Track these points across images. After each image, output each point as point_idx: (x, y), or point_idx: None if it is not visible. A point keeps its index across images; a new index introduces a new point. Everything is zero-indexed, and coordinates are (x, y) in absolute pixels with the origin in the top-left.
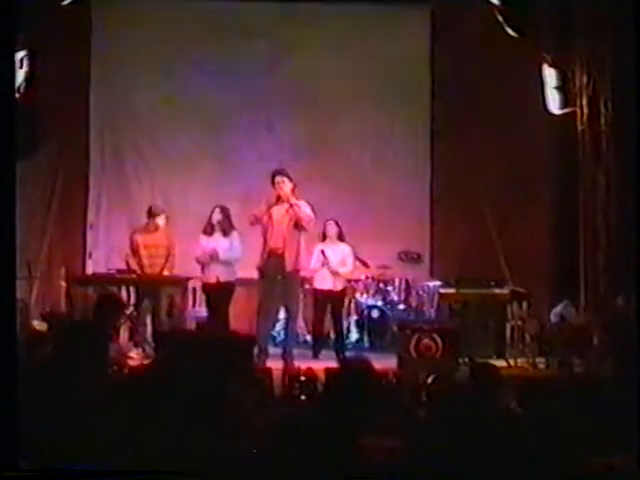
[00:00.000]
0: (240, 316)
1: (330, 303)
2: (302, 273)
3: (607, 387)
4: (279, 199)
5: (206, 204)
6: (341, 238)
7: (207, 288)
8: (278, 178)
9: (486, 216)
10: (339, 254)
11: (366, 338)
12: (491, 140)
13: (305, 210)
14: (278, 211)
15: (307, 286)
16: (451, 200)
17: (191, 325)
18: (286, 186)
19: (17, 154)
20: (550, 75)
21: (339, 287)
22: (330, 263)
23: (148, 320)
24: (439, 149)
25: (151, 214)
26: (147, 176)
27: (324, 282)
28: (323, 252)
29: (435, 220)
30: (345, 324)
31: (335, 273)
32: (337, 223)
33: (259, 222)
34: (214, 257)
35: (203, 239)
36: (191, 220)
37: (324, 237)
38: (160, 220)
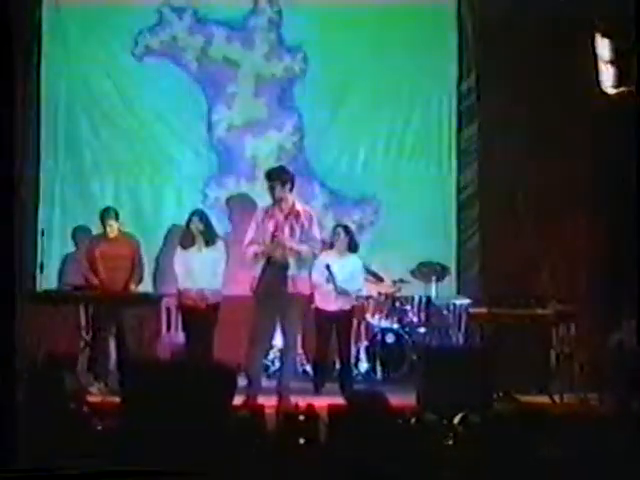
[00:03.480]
0: (226, 342)
1: (335, 326)
2: (307, 290)
3: None
4: (276, 204)
5: (184, 206)
6: (351, 249)
7: (186, 308)
8: (275, 180)
9: (524, 220)
10: (347, 269)
11: (379, 368)
12: (531, 129)
13: (306, 221)
14: (276, 220)
15: (313, 306)
16: (482, 201)
17: (165, 353)
18: (285, 189)
19: None
20: (603, 46)
21: (347, 307)
22: (336, 280)
23: (112, 347)
24: (467, 139)
25: (104, 217)
26: (110, 171)
27: (328, 302)
28: (328, 267)
29: (462, 225)
30: (353, 351)
31: (342, 291)
32: (347, 229)
33: (254, 246)
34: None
35: (181, 251)
36: (165, 225)
37: (331, 246)
38: (118, 224)
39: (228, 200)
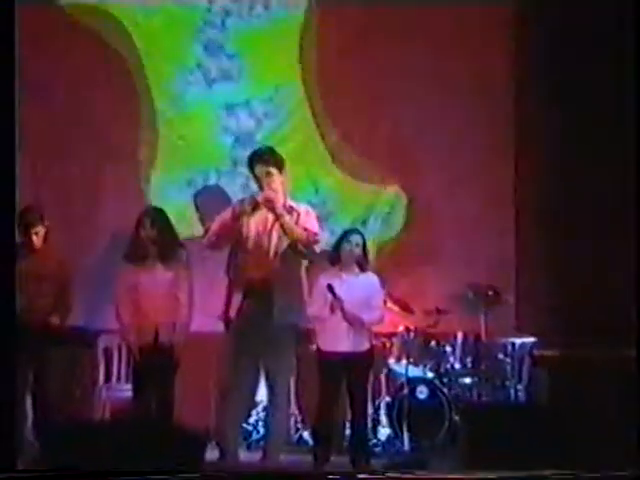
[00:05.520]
0: (190, 397)
1: (346, 375)
2: (303, 324)
3: None
4: (262, 203)
5: (130, 205)
6: (363, 265)
7: (134, 350)
8: (260, 166)
9: (609, 224)
10: (360, 291)
11: (405, 434)
12: (603, 119)
13: (305, 220)
14: (259, 220)
15: (313, 346)
16: (550, 198)
17: (104, 413)
18: (273, 179)
19: None
20: None
21: (362, 347)
22: (345, 307)
23: (28, 406)
24: (527, 113)
25: (24, 222)
26: (28, 155)
27: (336, 339)
28: (331, 288)
29: (522, 235)
30: (370, 410)
31: (355, 322)
32: (361, 236)
33: (225, 242)
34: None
35: (127, 268)
36: (104, 231)
37: (335, 260)
38: (44, 230)
39: (195, 196)
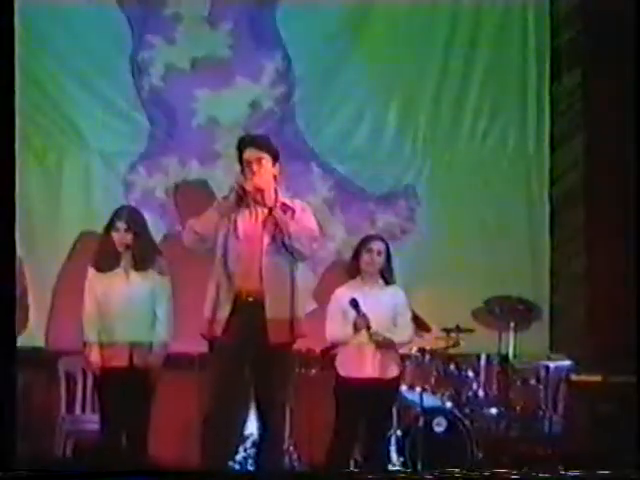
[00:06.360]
0: (168, 429)
1: (369, 404)
2: (300, 343)
3: None
4: (250, 193)
5: (98, 202)
6: (388, 277)
7: (102, 375)
8: (252, 150)
9: None
10: (387, 307)
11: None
12: None
13: (302, 218)
14: (248, 218)
15: (312, 371)
16: (591, 198)
17: (66, 447)
18: (265, 168)
19: None
20: None
21: (391, 373)
22: (370, 324)
23: None
24: (567, 94)
25: None
26: None
27: (362, 363)
28: (356, 303)
29: (559, 237)
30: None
31: (384, 344)
32: (384, 243)
33: (206, 244)
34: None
35: (95, 277)
36: (68, 234)
37: (354, 272)
38: None
39: (175, 191)
